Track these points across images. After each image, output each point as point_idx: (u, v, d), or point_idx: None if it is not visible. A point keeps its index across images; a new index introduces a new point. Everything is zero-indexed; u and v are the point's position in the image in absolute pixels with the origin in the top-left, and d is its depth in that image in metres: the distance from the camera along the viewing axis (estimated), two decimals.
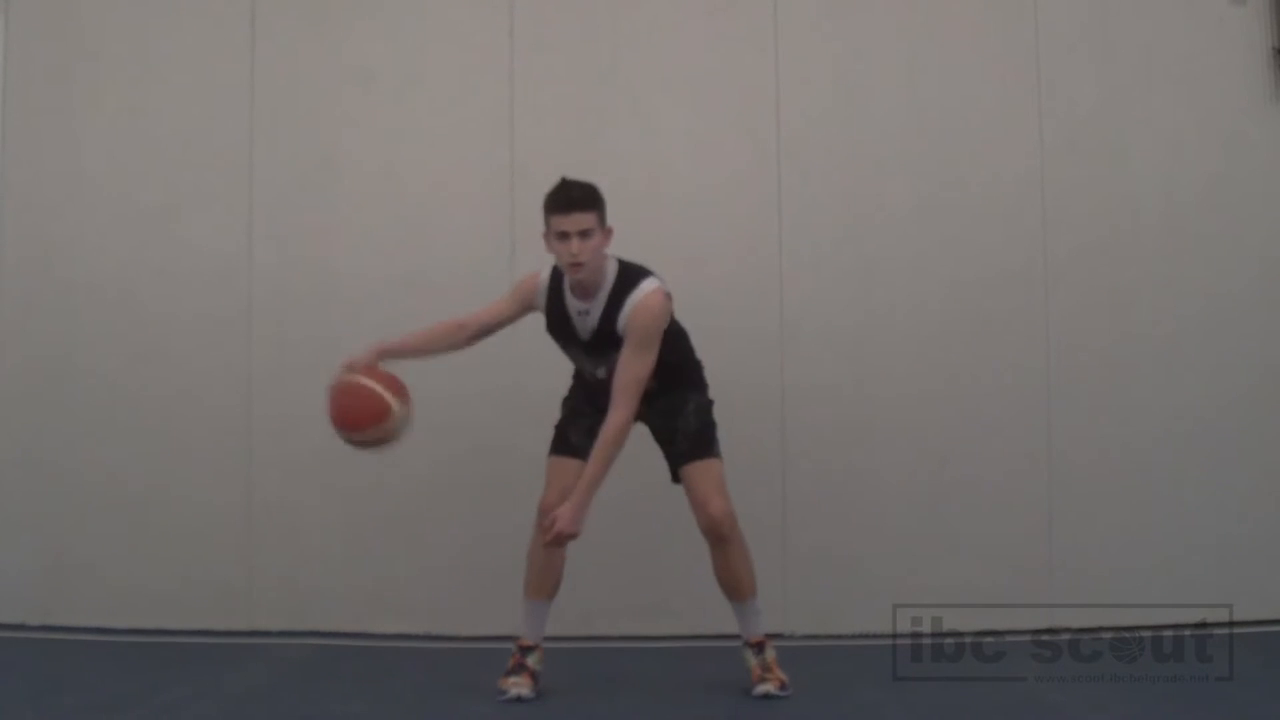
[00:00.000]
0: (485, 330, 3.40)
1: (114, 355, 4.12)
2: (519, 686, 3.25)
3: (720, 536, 3.26)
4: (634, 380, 3.20)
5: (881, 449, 4.06)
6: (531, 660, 3.30)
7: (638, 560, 3.90)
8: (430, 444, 4.06)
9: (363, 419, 3.19)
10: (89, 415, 4.12)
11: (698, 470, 3.30)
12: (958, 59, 4.13)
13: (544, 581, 3.31)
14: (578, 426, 3.35)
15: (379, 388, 3.18)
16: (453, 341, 3.39)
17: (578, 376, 3.47)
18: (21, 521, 4.11)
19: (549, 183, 4.15)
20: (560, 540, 3.20)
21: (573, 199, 3.20)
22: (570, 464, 3.31)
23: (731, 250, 4.09)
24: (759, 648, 3.32)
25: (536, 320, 4.04)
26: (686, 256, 4.00)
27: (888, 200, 4.10)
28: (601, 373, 3.32)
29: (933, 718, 3.18)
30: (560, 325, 3.33)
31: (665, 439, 3.38)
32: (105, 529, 4.09)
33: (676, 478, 3.37)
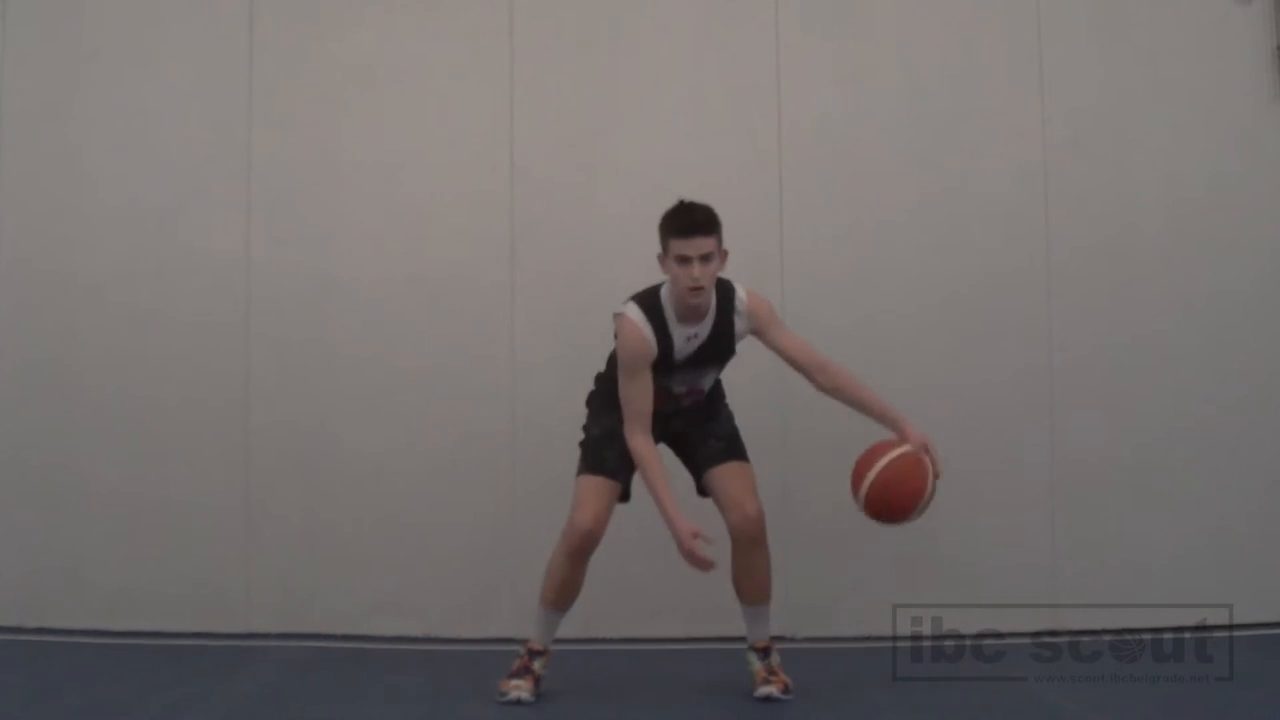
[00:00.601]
0: (651, 410, 3.21)
1: (112, 356, 4.11)
2: (520, 689, 3.24)
3: (753, 538, 3.24)
4: (809, 344, 3.27)
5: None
6: (538, 665, 3.30)
7: (639, 563, 3.89)
8: (430, 445, 4.07)
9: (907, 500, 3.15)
10: (87, 416, 4.11)
11: (734, 470, 3.29)
12: (959, 58, 4.13)
13: (566, 595, 3.28)
14: (612, 449, 3.28)
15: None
16: (656, 448, 3.25)
17: (606, 388, 3.34)
18: (18, 523, 4.10)
19: (549, 183, 4.17)
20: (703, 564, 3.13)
21: (696, 223, 3.15)
22: (609, 486, 3.27)
23: (731, 250, 4.06)
24: (765, 652, 3.32)
25: (536, 321, 4.07)
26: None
27: (889, 200, 4.11)
28: (683, 389, 3.31)
29: (933, 718, 3.18)
30: (666, 355, 3.23)
31: (694, 442, 3.35)
32: (102, 531, 4.07)
33: (701, 489, 3.34)
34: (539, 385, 4.00)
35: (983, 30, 4.14)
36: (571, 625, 3.71)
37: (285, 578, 4.07)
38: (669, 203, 4.11)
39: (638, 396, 3.18)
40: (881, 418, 3.22)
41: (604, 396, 3.36)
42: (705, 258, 3.14)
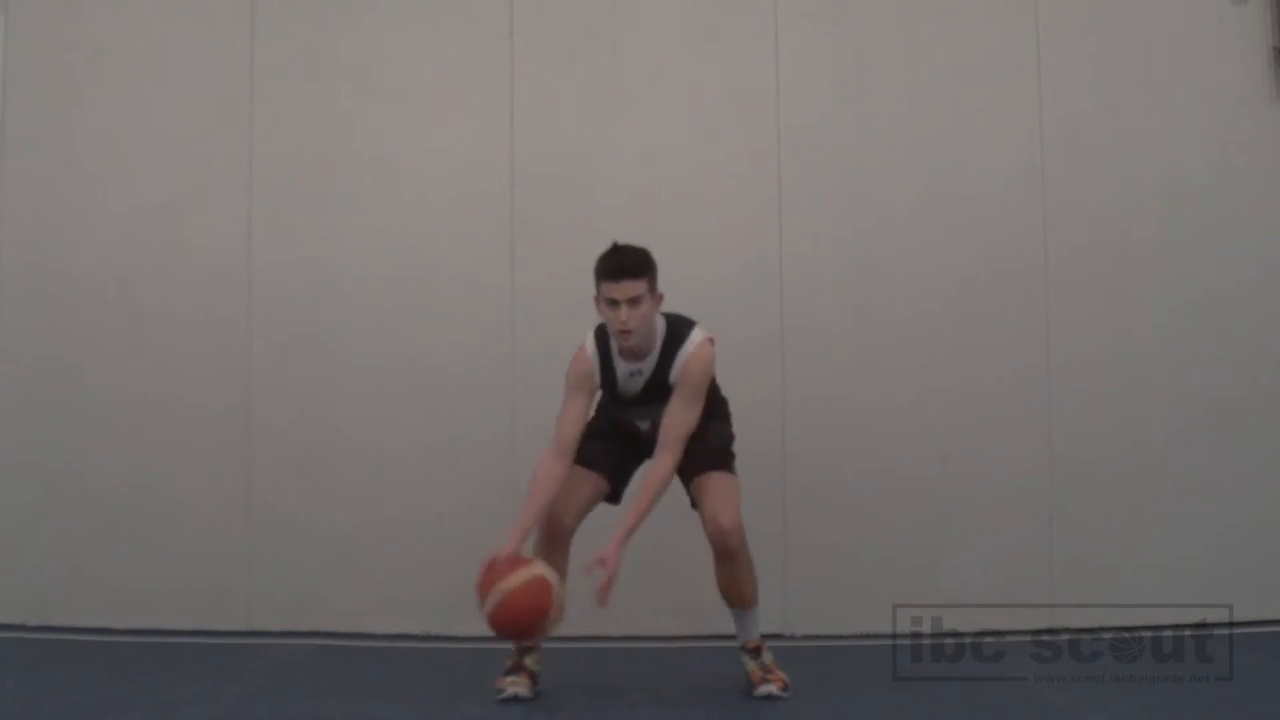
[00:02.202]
0: (577, 439, 3.25)
1: (113, 355, 4.11)
2: (516, 686, 3.24)
3: (728, 549, 3.24)
4: (685, 431, 3.21)
5: (882, 449, 4.05)
6: (530, 661, 3.30)
7: (639, 561, 3.88)
8: (429, 444, 4.08)
9: (536, 619, 3.07)
10: (88, 415, 4.12)
11: (713, 480, 3.29)
12: (958, 58, 4.13)
13: None
14: (594, 444, 3.31)
15: (526, 580, 3.04)
16: (564, 473, 3.26)
17: (603, 411, 3.41)
18: (20, 521, 4.10)
19: (549, 183, 4.17)
20: (608, 586, 3.12)
21: (624, 266, 3.16)
22: (584, 475, 3.29)
23: (731, 250, 4.09)
24: (756, 652, 3.32)
25: (535, 320, 4.07)
26: (686, 257, 3.99)
27: (888, 200, 4.10)
28: (646, 425, 3.31)
29: (933, 718, 3.17)
30: (611, 387, 3.29)
31: (685, 452, 3.32)
32: (104, 529, 4.08)
33: (694, 501, 3.35)
34: (539, 384, 3.98)
35: (981, 30, 4.14)
36: (571, 624, 3.71)
37: (286, 576, 4.07)
38: (669, 203, 4.14)
39: (566, 420, 3.23)
40: (621, 521, 3.18)
41: (602, 417, 3.41)
42: (633, 301, 3.14)
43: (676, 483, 3.34)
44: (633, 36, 4.14)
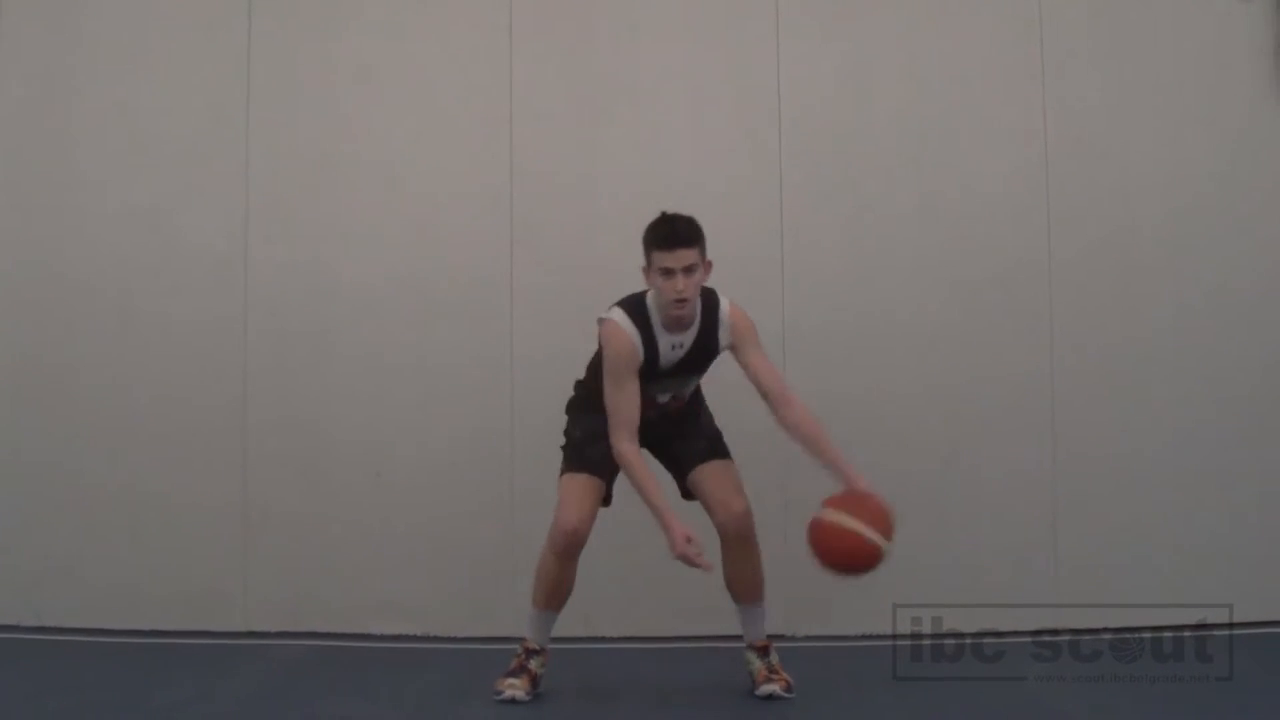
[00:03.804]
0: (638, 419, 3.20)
1: (110, 355, 4.10)
2: (515, 689, 3.23)
3: (740, 535, 3.24)
4: (780, 375, 3.27)
5: (883, 449, 4.03)
6: (534, 664, 3.29)
7: (639, 561, 3.88)
8: (429, 443, 4.07)
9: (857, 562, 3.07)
10: (84, 415, 4.10)
11: (718, 468, 3.29)
12: (961, 57, 4.13)
13: (556, 596, 3.28)
14: (596, 449, 3.27)
15: (865, 530, 3.02)
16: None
17: (592, 398, 3.34)
18: (16, 522, 4.09)
19: (549, 183, 4.16)
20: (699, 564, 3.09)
21: (679, 235, 3.15)
22: (594, 484, 3.27)
23: (733, 250, 4.03)
24: (764, 651, 3.32)
25: (535, 320, 4.06)
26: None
27: (890, 199, 4.10)
28: (666, 398, 3.30)
29: (933, 718, 3.18)
30: (650, 363, 3.24)
31: (676, 444, 3.35)
32: (100, 530, 4.07)
33: (686, 492, 3.34)
34: (538, 384, 3.99)
35: (983, 29, 4.14)
36: (572, 624, 3.71)
37: (284, 577, 4.06)
38: (669, 203, 4.12)
39: (625, 404, 3.17)
40: (833, 465, 3.17)
41: (585, 401, 3.36)
42: (689, 269, 3.14)
43: (671, 484, 3.34)
44: (633, 36, 4.14)
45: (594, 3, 4.16)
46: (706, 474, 3.29)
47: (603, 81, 4.13)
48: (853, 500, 3.06)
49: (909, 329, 4.07)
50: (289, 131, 4.13)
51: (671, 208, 4.05)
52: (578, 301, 3.99)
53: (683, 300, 3.14)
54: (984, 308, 4.07)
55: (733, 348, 3.27)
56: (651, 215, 3.95)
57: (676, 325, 3.21)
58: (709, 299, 3.26)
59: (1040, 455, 4.04)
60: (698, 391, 3.40)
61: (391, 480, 4.07)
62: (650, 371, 3.23)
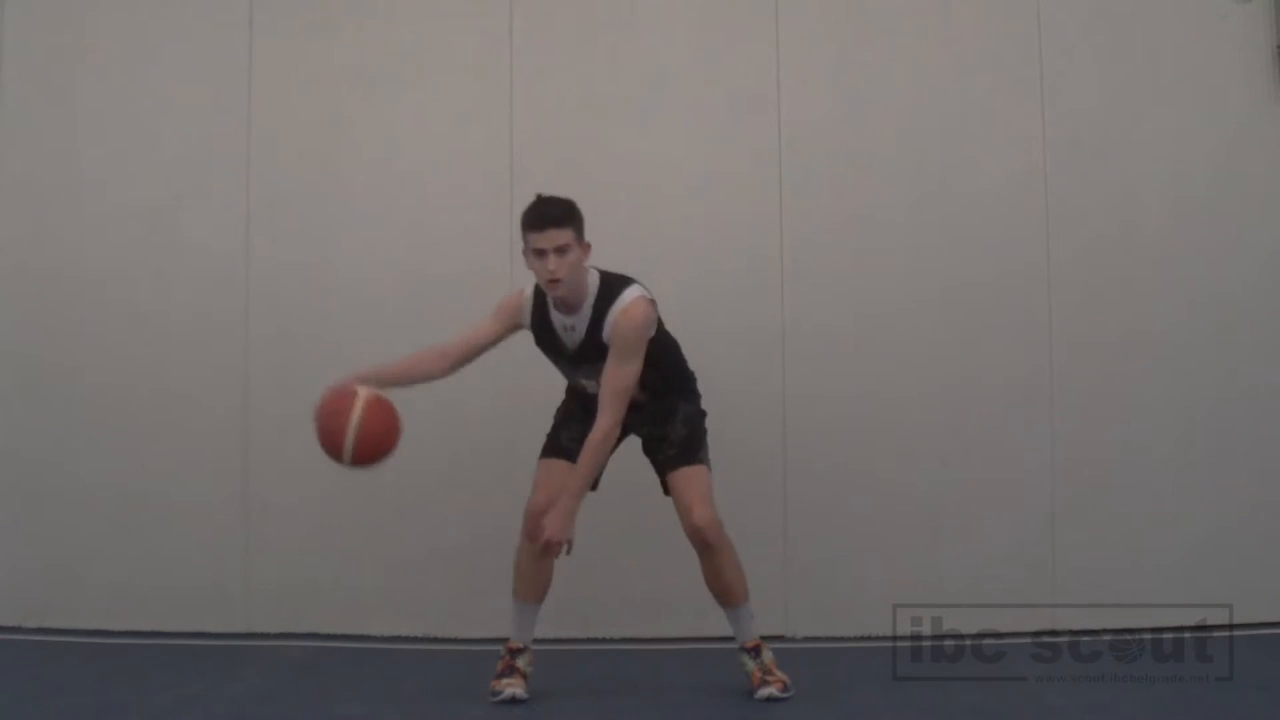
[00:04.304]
0: (470, 354, 3.34)
1: (111, 355, 4.10)
2: (514, 687, 3.24)
3: (705, 544, 3.24)
4: (620, 388, 3.19)
5: (882, 449, 4.05)
6: (521, 662, 3.29)
7: (637, 562, 3.89)
8: (428, 444, 4.05)
9: (322, 425, 3.09)
10: (85, 415, 4.10)
11: (682, 477, 3.29)
12: (959, 57, 4.13)
13: (533, 585, 3.30)
14: (570, 430, 3.35)
15: (353, 429, 3.05)
16: (431, 370, 3.32)
17: (570, 390, 3.46)
18: (17, 523, 4.09)
19: (549, 182, 4.15)
20: (551, 549, 3.17)
21: (548, 216, 3.18)
22: (559, 465, 3.31)
23: (732, 250, 4.08)
24: (755, 651, 3.32)
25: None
26: (687, 257, 4.00)
27: (889, 199, 4.10)
28: (591, 386, 3.31)
29: (933, 718, 3.17)
30: (548, 340, 3.32)
31: (653, 448, 3.36)
32: (101, 530, 4.07)
33: (667, 489, 3.35)
34: (539, 384, 3.98)
35: (982, 30, 4.14)
36: (571, 625, 3.72)
37: (284, 577, 4.06)
38: (669, 203, 4.13)
39: (468, 335, 3.33)
40: (565, 491, 3.20)
41: (569, 392, 3.45)
42: (560, 250, 3.16)
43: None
44: (633, 35, 4.14)
45: (594, 3, 4.15)
46: (674, 481, 3.30)
47: (603, 81, 4.13)
48: (369, 422, 3.07)
49: (908, 330, 4.06)
50: (290, 131, 4.13)
51: (671, 207, 4.08)
52: None
53: (555, 280, 3.17)
54: (983, 308, 4.07)
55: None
56: (651, 215, 3.98)
57: (563, 306, 3.25)
58: (610, 288, 3.24)
59: (1040, 455, 4.04)
60: (673, 392, 3.35)
61: (391, 480, 4.06)
62: (555, 347, 3.31)
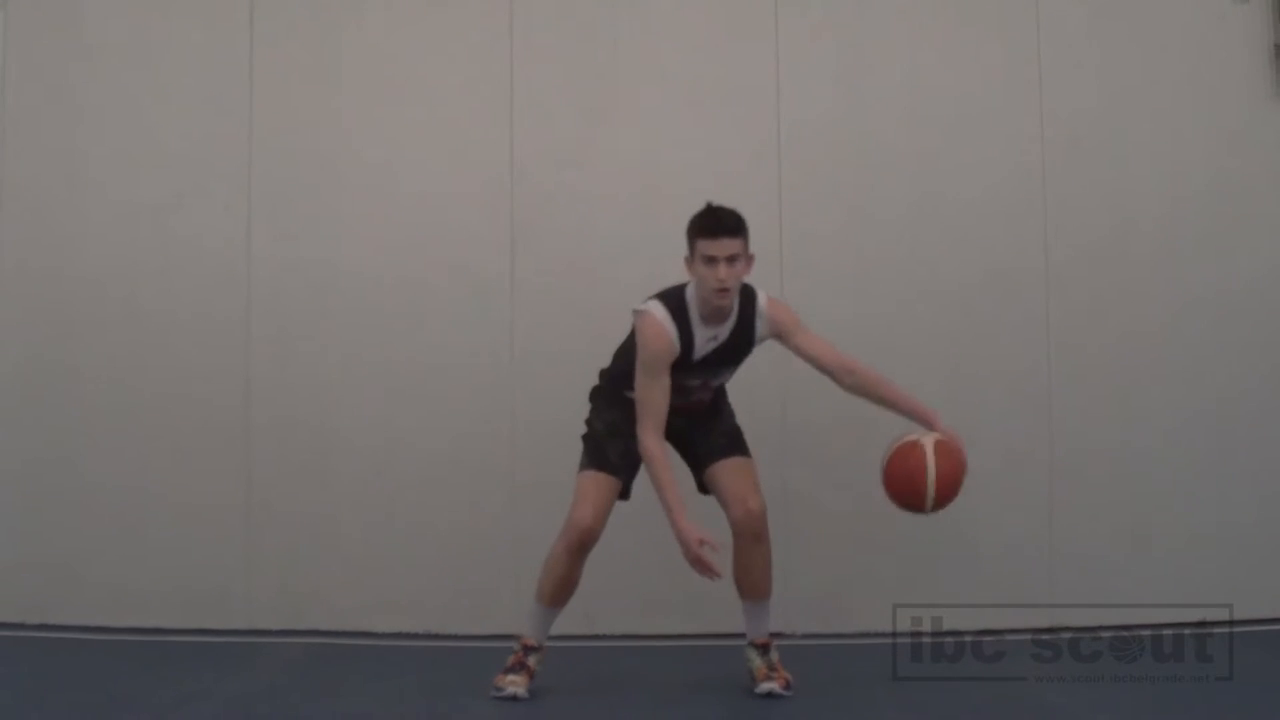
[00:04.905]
0: (666, 415, 3.23)
1: (113, 354, 4.11)
2: (516, 685, 3.25)
3: (755, 534, 3.25)
4: (835, 348, 3.30)
5: (882, 448, 4.04)
6: (533, 660, 3.30)
7: (640, 559, 3.89)
8: (430, 441, 4.08)
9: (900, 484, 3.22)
10: (86, 414, 4.11)
11: (737, 465, 3.31)
12: (958, 57, 4.13)
13: (563, 592, 3.29)
14: (615, 446, 3.29)
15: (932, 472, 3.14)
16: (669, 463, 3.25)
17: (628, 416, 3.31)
18: (19, 521, 4.10)
19: (549, 182, 4.17)
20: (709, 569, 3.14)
21: (724, 225, 3.18)
22: (609, 483, 3.28)
23: None
24: (765, 648, 3.32)
25: (535, 319, 4.07)
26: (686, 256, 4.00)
27: (888, 199, 4.10)
28: (696, 382, 3.31)
29: (933, 718, 3.18)
30: (684, 356, 3.24)
31: (696, 438, 3.35)
32: (103, 528, 4.08)
33: (702, 486, 3.35)
34: (539, 383, 4.00)
35: (981, 29, 4.14)
36: (572, 621, 3.71)
37: (285, 574, 4.07)
38: (669, 202, 4.12)
39: (656, 399, 3.18)
40: (911, 413, 3.26)
41: (609, 392, 3.38)
42: (731, 259, 3.16)
43: (687, 476, 3.34)
44: (633, 36, 4.14)
45: (594, 3, 4.15)
46: (725, 470, 3.30)
47: (603, 81, 4.13)
48: (950, 463, 3.14)
49: (907, 327, 4.07)
50: (291, 131, 4.14)
51: (671, 206, 4.07)
52: (578, 300, 4.01)
53: (724, 290, 3.16)
54: (982, 308, 4.08)
55: (779, 337, 3.31)
56: (652, 213, 3.98)
57: (715, 317, 3.24)
58: (745, 292, 3.28)
59: (1039, 455, 4.05)
60: (722, 387, 3.41)
61: (393, 478, 4.08)
62: (684, 362, 3.25)
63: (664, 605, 3.97)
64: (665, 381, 3.19)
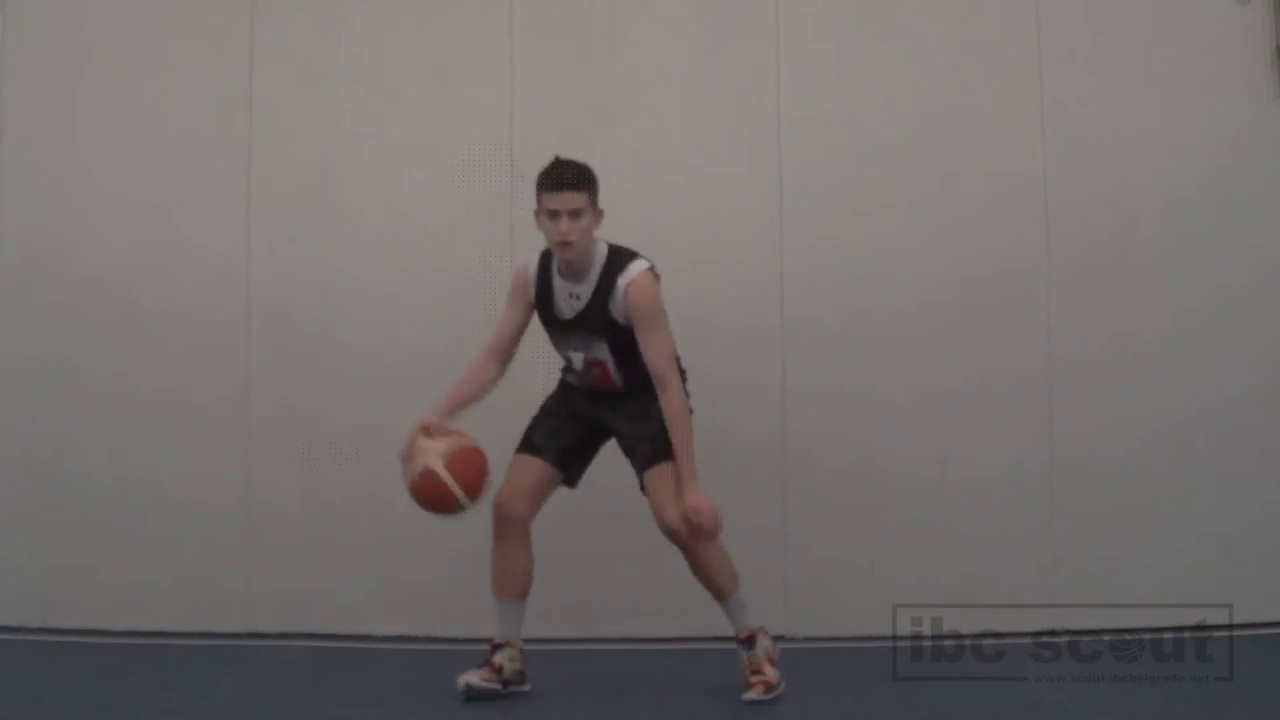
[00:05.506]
0: (508, 347, 3.36)
1: (112, 354, 4.11)
2: (468, 676, 3.22)
3: (682, 544, 3.24)
4: (664, 356, 3.20)
5: (882, 448, 4.05)
6: (501, 657, 3.27)
7: (637, 562, 3.89)
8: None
9: (431, 507, 3.19)
10: (87, 415, 4.11)
11: (655, 476, 3.25)
12: (959, 57, 4.13)
13: (506, 580, 3.29)
14: (543, 426, 3.36)
15: (454, 485, 3.13)
16: (488, 376, 3.34)
17: (565, 373, 3.44)
18: (19, 522, 4.09)
19: None
20: (713, 534, 3.16)
21: (564, 178, 3.21)
22: (530, 462, 3.31)
23: (732, 248, 4.08)
24: (749, 642, 3.31)
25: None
26: (687, 254, 3.99)
27: (888, 198, 4.10)
28: (577, 360, 3.31)
29: (933, 718, 3.18)
30: (547, 306, 3.32)
31: (628, 443, 3.34)
32: (103, 530, 4.07)
33: (645, 488, 3.31)
34: (538, 383, 3.99)
35: (982, 29, 4.14)
36: (570, 624, 3.72)
37: (285, 576, 4.07)
38: (669, 200, 4.13)
39: (502, 324, 3.34)
40: (682, 470, 3.21)
41: (557, 390, 3.46)
42: (575, 213, 3.18)
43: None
44: (633, 35, 4.14)
45: (594, 3, 4.15)
46: (649, 480, 3.27)
47: (603, 81, 4.13)
48: (467, 469, 3.13)
49: (907, 328, 4.06)
50: (291, 131, 4.14)
51: (671, 205, 4.09)
52: None
53: (566, 243, 3.18)
54: (982, 307, 4.07)
55: (629, 320, 3.23)
56: (652, 212, 3.98)
57: (569, 272, 3.26)
58: (618, 258, 3.25)
59: (1039, 455, 4.04)
60: (647, 385, 3.28)
61: (393, 479, 4.05)
62: (550, 316, 3.30)
63: (663, 608, 3.96)
64: (513, 314, 3.32)
